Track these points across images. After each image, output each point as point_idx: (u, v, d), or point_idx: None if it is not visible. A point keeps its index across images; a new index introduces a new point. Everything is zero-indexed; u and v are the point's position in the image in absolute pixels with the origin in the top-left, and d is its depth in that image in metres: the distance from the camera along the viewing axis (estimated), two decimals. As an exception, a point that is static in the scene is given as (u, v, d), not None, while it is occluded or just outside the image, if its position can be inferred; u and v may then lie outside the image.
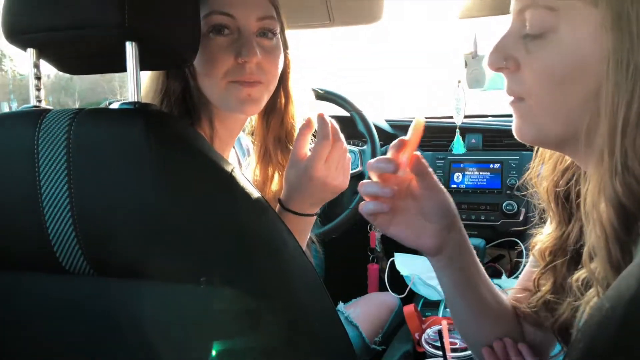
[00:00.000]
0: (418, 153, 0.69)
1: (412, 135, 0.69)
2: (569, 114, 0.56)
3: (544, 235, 0.73)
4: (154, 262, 0.57)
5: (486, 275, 0.78)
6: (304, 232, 0.88)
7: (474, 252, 0.75)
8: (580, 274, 0.61)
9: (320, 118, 0.82)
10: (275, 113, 0.95)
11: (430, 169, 0.70)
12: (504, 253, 1.70)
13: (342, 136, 0.83)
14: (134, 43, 0.57)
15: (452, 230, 0.72)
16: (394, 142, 0.69)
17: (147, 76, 0.85)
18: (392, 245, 1.76)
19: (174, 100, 0.82)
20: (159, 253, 0.56)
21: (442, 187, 0.72)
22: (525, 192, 0.76)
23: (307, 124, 0.84)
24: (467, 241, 0.74)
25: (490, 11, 1.34)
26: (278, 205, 0.87)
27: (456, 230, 0.72)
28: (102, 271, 0.59)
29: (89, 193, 0.55)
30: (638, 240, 0.51)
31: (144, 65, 0.59)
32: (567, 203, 0.69)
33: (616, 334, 0.38)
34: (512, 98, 0.62)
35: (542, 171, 0.72)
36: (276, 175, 0.98)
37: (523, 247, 1.56)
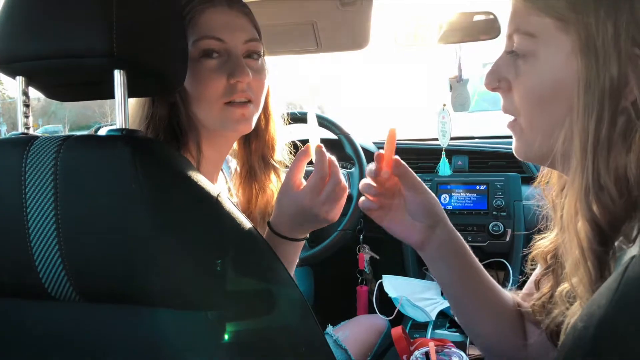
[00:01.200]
0: (397, 157, 0.78)
1: (387, 143, 0.79)
2: (552, 132, 0.60)
3: (547, 240, 0.75)
4: (141, 288, 0.57)
5: (484, 273, 0.82)
6: (293, 256, 0.89)
7: (466, 249, 0.81)
8: (565, 287, 0.63)
9: (319, 151, 0.83)
10: (257, 132, 0.97)
11: (411, 171, 0.79)
12: (491, 274, 1.70)
13: (338, 169, 0.84)
14: (122, 71, 0.58)
15: (437, 228, 0.79)
16: (375, 154, 0.78)
17: (133, 102, 0.86)
18: (381, 267, 1.77)
19: (160, 125, 0.83)
20: (145, 279, 0.56)
21: (427, 189, 0.80)
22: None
23: (305, 151, 0.85)
24: (455, 240, 0.80)
25: (465, 37, 1.37)
26: (267, 228, 0.87)
27: (442, 228, 0.79)
28: (88, 297, 0.59)
29: (76, 220, 0.56)
30: (616, 255, 0.52)
31: (132, 92, 0.60)
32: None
33: (589, 353, 0.38)
34: (511, 118, 0.67)
35: (550, 180, 0.75)
36: (260, 193, 0.99)
37: (510, 268, 1.57)
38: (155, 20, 0.61)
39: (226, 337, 0.57)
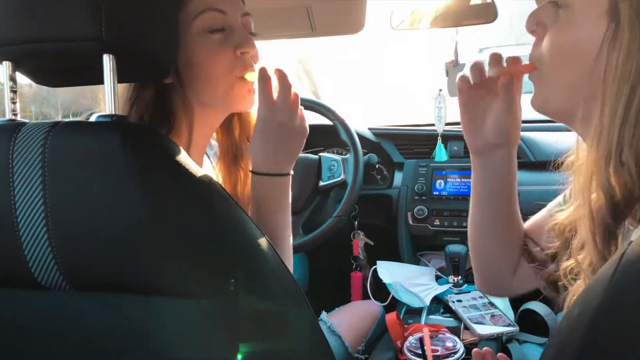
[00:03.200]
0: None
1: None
2: (570, 88, 0.61)
3: (566, 213, 0.75)
4: (133, 276, 0.57)
5: (516, 203, 0.83)
6: (284, 195, 0.87)
7: (513, 178, 0.81)
8: (569, 265, 0.63)
9: (279, 72, 0.83)
10: (241, 114, 0.97)
11: (517, 95, 0.76)
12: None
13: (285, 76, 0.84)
14: (111, 55, 0.57)
15: (501, 149, 0.79)
16: (511, 57, 0.74)
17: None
18: (375, 253, 1.77)
19: (145, 108, 0.81)
20: (137, 267, 0.56)
21: (518, 115, 0.78)
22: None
23: (264, 75, 0.84)
24: (510, 167, 0.80)
25: (461, 21, 1.37)
26: (252, 177, 0.86)
27: (503, 152, 0.79)
28: (79, 286, 0.58)
29: (65, 208, 0.55)
30: (625, 232, 0.52)
31: (121, 77, 0.59)
32: None
33: (584, 339, 0.38)
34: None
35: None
36: (246, 178, 0.98)
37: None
38: (145, 4, 0.60)
39: (219, 324, 0.57)
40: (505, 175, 0.80)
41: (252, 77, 0.84)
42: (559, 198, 0.83)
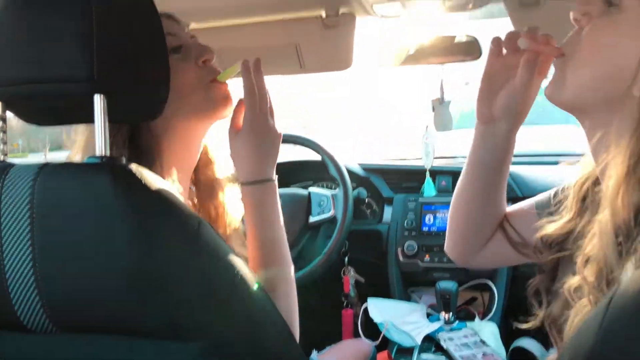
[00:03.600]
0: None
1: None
2: (590, 87, 0.61)
3: (556, 224, 0.75)
4: (120, 317, 0.56)
5: (502, 179, 0.84)
6: (271, 203, 0.87)
7: (507, 155, 0.82)
8: (573, 282, 0.61)
9: (244, 67, 0.84)
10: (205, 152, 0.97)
11: (536, 76, 0.74)
12: (476, 295, 1.71)
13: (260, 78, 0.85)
14: (102, 96, 0.57)
15: (503, 124, 0.79)
16: (545, 34, 0.71)
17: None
18: (366, 290, 1.75)
19: (122, 145, 0.81)
20: (124, 309, 0.55)
21: (531, 96, 0.77)
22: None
23: (240, 103, 0.86)
24: (507, 143, 0.80)
25: (446, 59, 1.40)
26: (239, 187, 0.87)
27: (506, 127, 0.79)
28: (65, 328, 0.57)
29: (53, 251, 0.54)
30: (632, 254, 0.51)
31: (112, 117, 0.59)
32: (587, 200, 0.72)
33: None
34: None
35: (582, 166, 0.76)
36: (220, 212, 0.98)
37: (495, 290, 1.57)
38: (137, 44, 0.60)
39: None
40: (500, 149, 0.81)
41: (223, 76, 0.86)
42: (547, 194, 0.84)
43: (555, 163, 0.74)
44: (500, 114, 0.78)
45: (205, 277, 0.57)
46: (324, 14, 1.20)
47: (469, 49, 1.39)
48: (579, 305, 0.58)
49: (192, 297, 0.56)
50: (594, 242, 0.57)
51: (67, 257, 0.54)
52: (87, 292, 0.54)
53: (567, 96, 0.66)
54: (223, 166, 0.99)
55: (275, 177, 0.87)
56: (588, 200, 0.71)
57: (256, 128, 0.84)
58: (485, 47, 1.39)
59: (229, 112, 0.88)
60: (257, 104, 0.84)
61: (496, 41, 0.78)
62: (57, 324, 0.56)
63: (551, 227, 0.75)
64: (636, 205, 0.52)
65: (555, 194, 0.81)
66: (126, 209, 0.52)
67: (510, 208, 0.89)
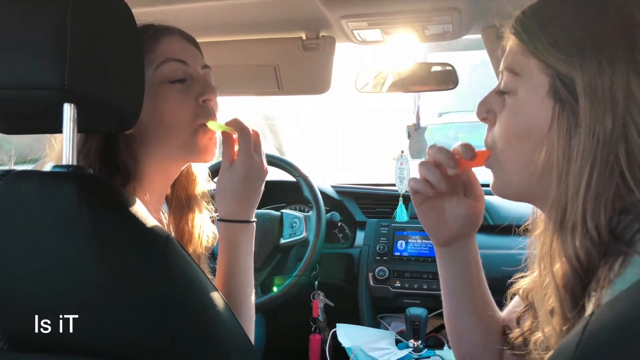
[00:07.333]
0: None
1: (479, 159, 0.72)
2: (525, 169, 0.62)
3: (528, 279, 0.75)
4: (79, 337, 0.53)
5: (487, 288, 0.82)
6: (245, 244, 0.87)
7: (479, 264, 0.81)
8: (539, 337, 0.62)
9: (236, 124, 0.85)
10: (186, 169, 0.97)
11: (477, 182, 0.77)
12: (445, 323, 1.70)
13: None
14: (72, 105, 0.55)
15: (467, 238, 0.79)
16: (464, 146, 0.72)
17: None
18: (335, 314, 1.73)
19: (93, 157, 0.79)
20: (84, 325, 0.53)
21: (484, 199, 0.79)
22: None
23: (228, 136, 0.86)
24: (475, 249, 0.81)
25: (423, 87, 1.42)
26: (220, 225, 0.87)
27: (470, 239, 0.80)
28: (17, 347, 0.54)
29: (11, 262, 0.52)
30: (588, 297, 0.53)
31: (82, 127, 0.57)
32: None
33: None
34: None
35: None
36: (194, 231, 0.97)
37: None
38: (111, 55, 0.59)
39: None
40: (474, 261, 0.81)
41: (214, 125, 0.84)
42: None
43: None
44: (461, 229, 0.78)
45: (171, 297, 0.55)
46: (304, 36, 1.21)
47: (446, 78, 1.41)
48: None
49: (154, 315, 0.54)
50: (551, 294, 0.58)
51: (26, 270, 0.51)
52: (43, 307, 0.52)
53: (512, 188, 0.67)
54: (203, 183, 0.98)
55: (254, 219, 0.88)
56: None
57: (248, 165, 0.84)
58: (461, 75, 1.41)
59: (209, 159, 0.88)
60: (252, 144, 0.84)
61: (420, 185, 0.76)
62: (9, 341, 0.54)
63: (523, 282, 0.75)
64: (580, 255, 0.54)
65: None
66: (90, 221, 0.50)
67: (503, 314, 0.85)
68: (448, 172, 0.73)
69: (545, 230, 0.61)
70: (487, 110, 0.68)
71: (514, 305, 0.85)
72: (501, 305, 0.85)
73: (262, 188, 0.88)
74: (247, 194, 0.86)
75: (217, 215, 0.88)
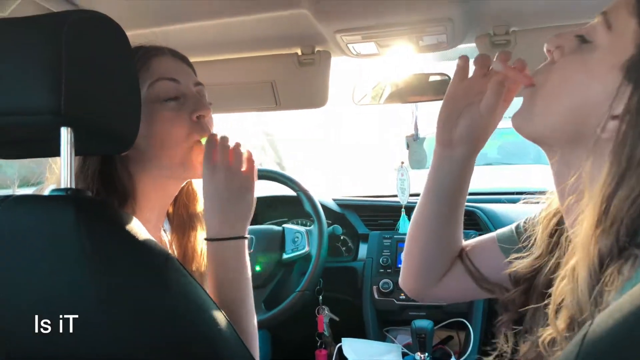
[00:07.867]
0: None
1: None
2: (556, 121, 0.61)
3: (525, 260, 0.73)
4: (79, 354, 0.53)
5: (463, 207, 0.83)
6: (240, 260, 0.82)
7: (465, 181, 0.81)
8: (546, 335, 0.60)
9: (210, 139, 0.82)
10: (186, 186, 0.96)
11: (501, 102, 0.74)
12: (452, 334, 1.69)
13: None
14: (69, 129, 0.55)
15: (462, 148, 0.78)
16: (521, 60, 0.71)
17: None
18: (340, 329, 1.72)
19: (90, 178, 0.79)
20: (83, 345, 0.52)
21: (493, 122, 0.77)
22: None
23: (210, 141, 0.83)
24: (465, 168, 0.80)
25: (421, 97, 1.43)
26: (208, 245, 0.82)
27: (465, 152, 0.78)
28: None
29: (11, 284, 0.51)
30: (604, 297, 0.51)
31: (80, 150, 0.57)
32: (555, 236, 0.72)
33: None
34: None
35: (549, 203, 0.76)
36: (196, 248, 0.96)
37: (471, 328, 1.55)
38: (106, 78, 0.59)
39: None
40: (457, 175, 0.80)
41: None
42: (508, 228, 0.83)
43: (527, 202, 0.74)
44: (461, 138, 0.77)
45: (172, 316, 0.55)
46: (300, 52, 1.21)
47: (444, 88, 1.41)
48: (556, 357, 0.57)
49: (156, 337, 0.54)
50: (564, 287, 0.56)
51: (25, 292, 0.51)
52: (43, 327, 0.51)
53: (535, 127, 0.65)
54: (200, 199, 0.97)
55: (246, 234, 0.83)
56: (556, 236, 0.71)
57: (213, 189, 0.81)
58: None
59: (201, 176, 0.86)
60: (210, 167, 0.81)
61: (464, 61, 0.78)
62: (8, 356, 0.54)
63: (520, 264, 0.74)
64: (605, 251, 0.52)
65: (517, 227, 0.81)
66: (89, 244, 0.50)
67: (469, 242, 0.87)
68: (493, 66, 0.72)
69: (585, 216, 0.56)
70: (557, 46, 0.64)
71: (480, 239, 0.86)
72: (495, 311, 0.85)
73: (249, 204, 0.83)
74: (230, 214, 0.81)
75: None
